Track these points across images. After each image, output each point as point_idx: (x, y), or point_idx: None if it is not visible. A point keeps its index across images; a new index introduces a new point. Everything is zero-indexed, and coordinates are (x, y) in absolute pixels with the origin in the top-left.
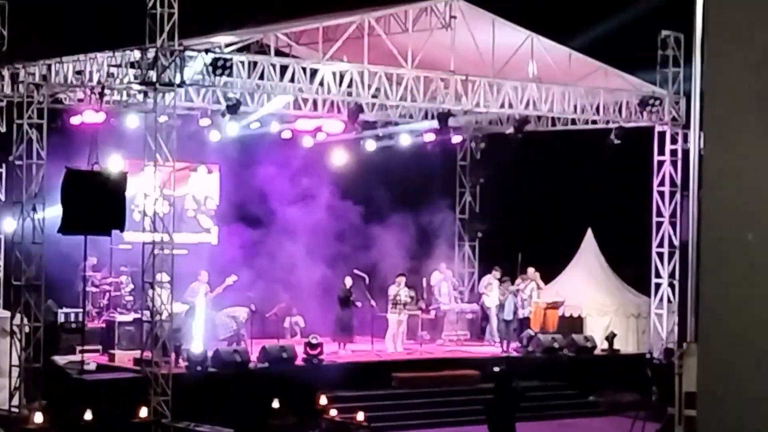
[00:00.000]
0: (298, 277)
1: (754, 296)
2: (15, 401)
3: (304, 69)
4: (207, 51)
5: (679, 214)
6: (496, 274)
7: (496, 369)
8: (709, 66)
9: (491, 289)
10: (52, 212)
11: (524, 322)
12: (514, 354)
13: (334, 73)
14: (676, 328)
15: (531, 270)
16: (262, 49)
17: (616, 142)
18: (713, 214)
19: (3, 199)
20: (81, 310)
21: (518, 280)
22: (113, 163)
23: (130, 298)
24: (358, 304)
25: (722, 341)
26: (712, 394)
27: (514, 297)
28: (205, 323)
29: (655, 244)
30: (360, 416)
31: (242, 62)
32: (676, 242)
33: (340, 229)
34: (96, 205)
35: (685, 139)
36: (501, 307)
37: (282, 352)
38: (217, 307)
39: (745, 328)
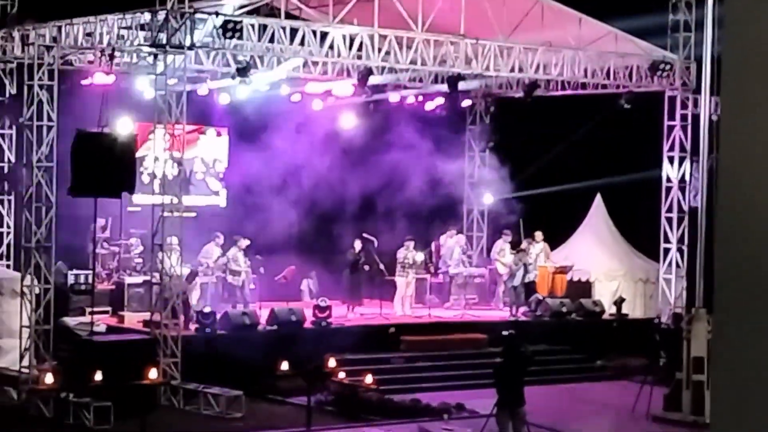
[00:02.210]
0: (307, 240)
1: None
2: (25, 362)
3: (314, 32)
4: (217, 13)
5: (689, 179)
6: (507, 237)
7: (505, 333)
8: (727, 29)
9: (503, 254)
10: (63, 174)
11: (530, 286)
12: (523, 318)
13: (344, 37)
14: (684, 294)
15: (539, 234)
16: (272, 11)
17: (626, 106)
18: (730, 181)
19: (14, 160)
20: (91, 271)
21: (524, 244)
22: (123, 126)
23: (140, 260)
24: (366, 267)
25: (736, 307)
26: (725, 360)
27: (525, 266)
28: (214, 286)
29: (664, 209)
30: (368, 379)
31: (252, 25)
32: (686, 207)
33: (348, 193)
34: (106, 167)
35: (696, 104)
36: (511, 273)
37: (291, 315)
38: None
39: (760, 295)
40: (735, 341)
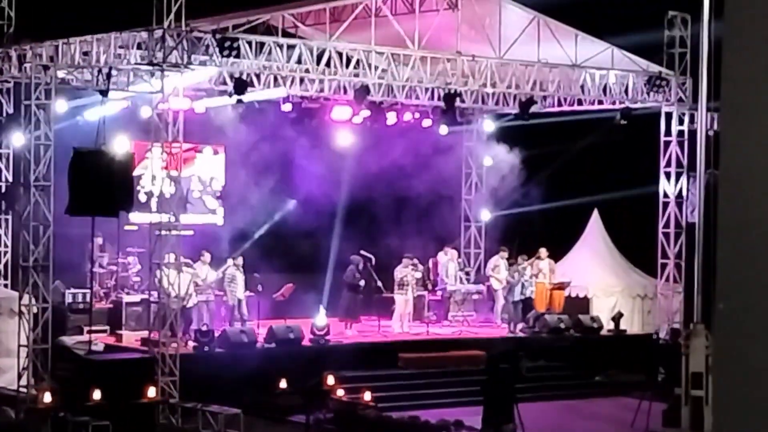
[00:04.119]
0: (305, 258)
1: None
2: (23, 381)
3: (310, 50)
4: (214, 32)
5: (686, 194)
6: (503, 254)
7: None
8: (727, 42)
9: (498, 270)
10: (60, 193)
11: (527, 302)
12: (521, 334)
13: (340, 54)
14: (682, 309)
15: (544, 251)
16: (268, 29)
17: (623, 122)
18: (731, 196)
19: (11, 180)
20: (88, 290)
21: (519, 260)
22: (120, 145)
23: (137, 278)
24: (364, 284)
25: (738, 321)
26: (726, 374)
27: (522, 282)
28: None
29: (661, 224)
30: (367, 396)
31: (249, 43)
32: (683, 223)
33: (345, 209)
34: (103, 186)
35: (692, 120)
36: (510, 288)
37: (289, 333)
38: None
39: (763, 310)
40: (735, 354)
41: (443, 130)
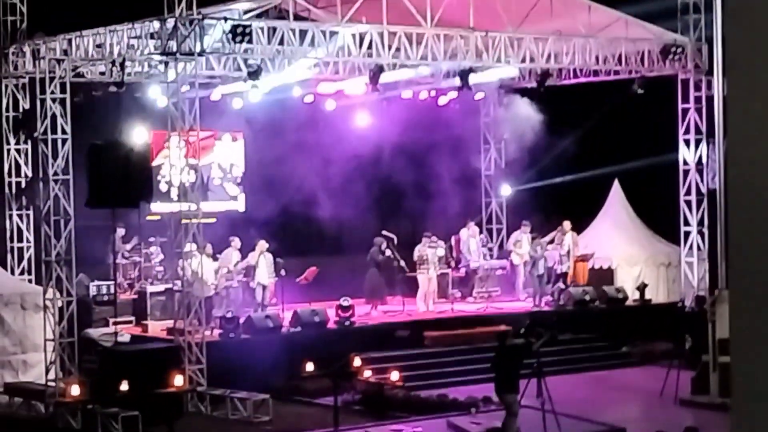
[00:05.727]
0: (327, 241)
1: None
2: (51, 375)
3: (323, 32)
4: (226, 18)
5: (706, 161)
6: (525, 228)
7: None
8: (729, 7)
9: (520, 245)
10: (80, 186)
11: (562, 278)
12: (546, 308)
13: (353, 35)
14: (707, 276)
15: (567, 223)
16: (280, 14)
17: (640, 91)
18: (739, 161)
19: (30, 175)
20: (112, 282)
21: (553, 234)
22: (138, 135)
23: (161, 268)
24: (388, 264)
25: (754, 288)
26: (745, 340)
27: (545, 251)
28: (236, 290)
29: (682, 192)
30: (394, 376)
31: (261, 28)
32: (704, 189)
33: (365, 191)
34: (122, 177)
35: (709, 86)
36: (534, 262)
37: (314, 316)
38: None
39: None
40: (752, 321)
41: (459, 106)
